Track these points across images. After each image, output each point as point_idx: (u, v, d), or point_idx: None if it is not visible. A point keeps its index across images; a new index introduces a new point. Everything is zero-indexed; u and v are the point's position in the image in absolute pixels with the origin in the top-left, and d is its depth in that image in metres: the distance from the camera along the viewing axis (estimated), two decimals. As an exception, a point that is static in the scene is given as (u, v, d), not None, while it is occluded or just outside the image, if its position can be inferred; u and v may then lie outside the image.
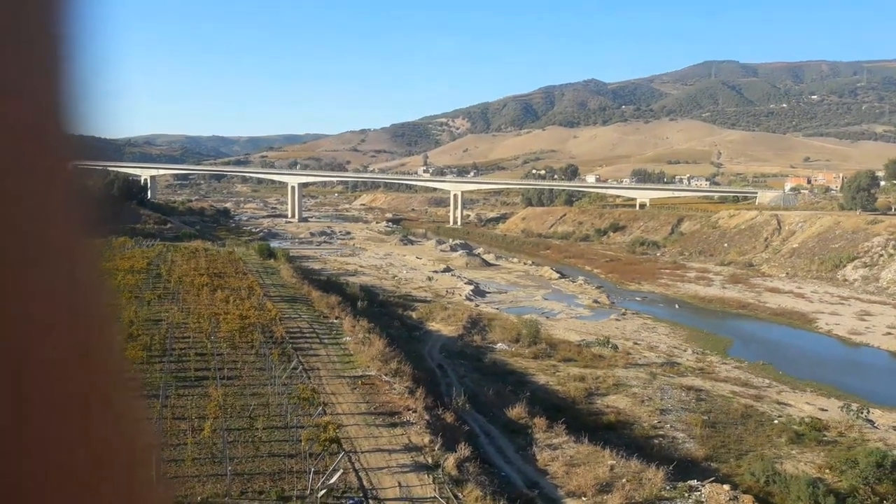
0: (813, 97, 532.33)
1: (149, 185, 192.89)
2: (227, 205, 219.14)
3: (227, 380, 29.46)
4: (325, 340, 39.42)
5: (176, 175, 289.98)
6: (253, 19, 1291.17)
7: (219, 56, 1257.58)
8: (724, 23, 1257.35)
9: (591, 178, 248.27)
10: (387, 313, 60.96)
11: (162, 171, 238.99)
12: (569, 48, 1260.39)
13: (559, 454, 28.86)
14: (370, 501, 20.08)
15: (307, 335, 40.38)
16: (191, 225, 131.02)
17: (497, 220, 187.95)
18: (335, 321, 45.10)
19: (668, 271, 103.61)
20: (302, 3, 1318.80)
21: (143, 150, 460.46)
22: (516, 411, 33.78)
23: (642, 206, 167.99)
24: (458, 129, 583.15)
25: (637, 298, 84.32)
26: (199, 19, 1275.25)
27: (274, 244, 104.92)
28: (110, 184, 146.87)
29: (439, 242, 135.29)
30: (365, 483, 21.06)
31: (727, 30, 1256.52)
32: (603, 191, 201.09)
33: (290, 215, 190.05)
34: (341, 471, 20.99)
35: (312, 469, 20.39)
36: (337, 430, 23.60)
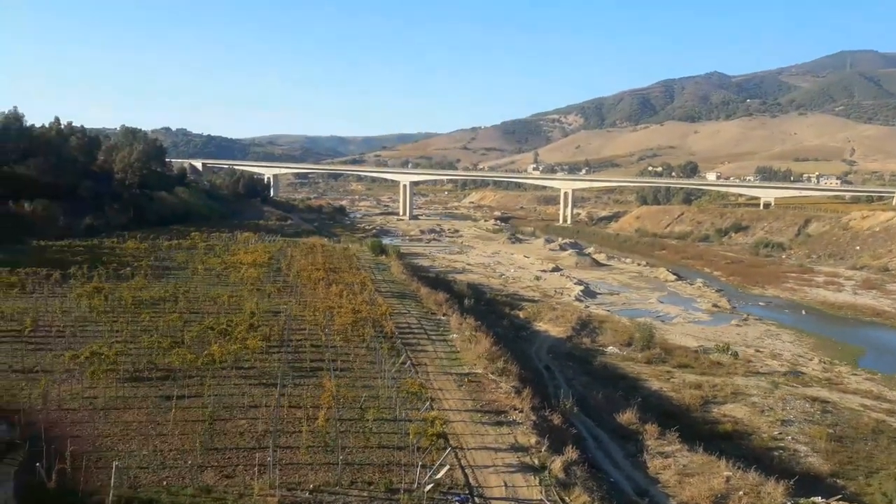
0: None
1: (271, 183, 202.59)
2: (343, 202, 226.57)
3: (340, 371, 30.43)
4: (433, 337, 39.93)
5: (296, 174, 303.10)
6: (370, 20, 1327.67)
7: (336, 57, 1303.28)
8: (862, 10, 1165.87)
9: (711, 176, 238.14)
10: (493, 312, 61.03)
11: (283, 171, 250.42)
12: (690, 40, 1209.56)
13: (671, 462, 27.82)
14: (475, 499, 20.14)
15: (415, 331, 41.07)
16: (309, 222, 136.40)
17: (609, 218, 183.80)
18: (443, 318, 45.60)
19: (793, 275, 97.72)
20: (418, 3, 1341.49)
21: (266, 150, 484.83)
22: (627, 416, 32.89)
23: (767, 205, 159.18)
24: (570, 125, 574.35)
25: (760, 303, 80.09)
26: (317, 25, 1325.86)
27: (385, 241, 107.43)
28: (237, 182, 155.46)
29: (548, 241, 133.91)
30: (471, 480, 21.13)
31: (865, 18, 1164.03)
32: (724, 189, 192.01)
33: (401, 213, 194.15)
34: (447, 466, 21.16)
35: (420, 463, 20.68)
36: (444, 426, 23.83)
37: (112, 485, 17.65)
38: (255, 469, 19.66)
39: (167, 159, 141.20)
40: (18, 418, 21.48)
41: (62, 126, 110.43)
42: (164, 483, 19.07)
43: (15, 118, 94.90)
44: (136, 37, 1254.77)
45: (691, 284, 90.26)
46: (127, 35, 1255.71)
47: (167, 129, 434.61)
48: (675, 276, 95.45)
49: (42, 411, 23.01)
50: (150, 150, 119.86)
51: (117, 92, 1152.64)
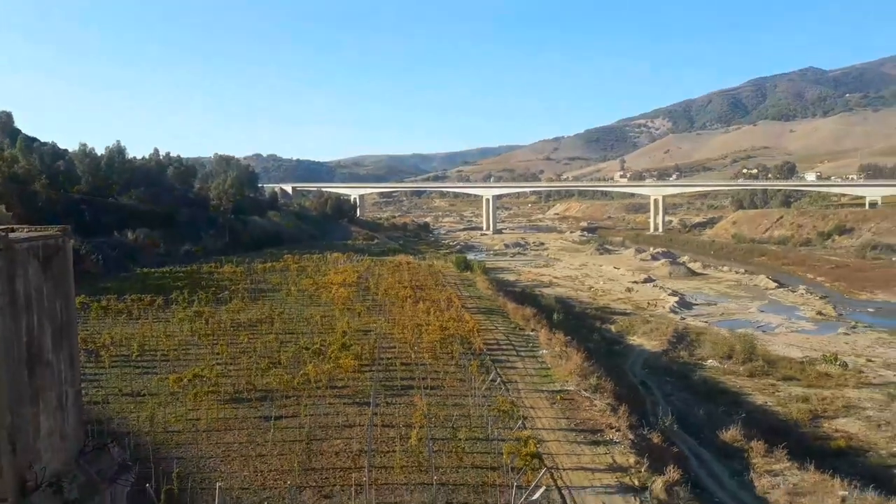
0: None
1: (357, 203, 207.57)
2: (427, 219, 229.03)
3: (430, 389, 30.40)
4: (522, 353, 39.40)
5: (381, 193, 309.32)
6: (448, 36, 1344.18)
7: (416, 76, 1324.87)
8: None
9: (810, 176, 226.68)
10: (584, 326, 59.80)
11: (369, 191, 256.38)
12: (781, 34, 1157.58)
13: (780, 481, 26.23)
14: (573, 522, 19.56)
15: (504, 347, 40.65)
16: (394, 240, 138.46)
17: (703, 225, 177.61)
18: (531, 333, 44.96)
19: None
20: (496, 17, 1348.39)
21: (351, 171, 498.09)
22: (730, 434, 31.34)
23: (873, 204, 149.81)
24: (657, 129, 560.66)
25: (869, 309, 75.11)
26: (397, 46, 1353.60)
27: (470, 256, 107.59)
28: (325, 203, 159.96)
29: (639, 251, 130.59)
30: (568, 502, 20.54)
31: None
32: (826, 189, 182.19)
33: (484, 227, 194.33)
34: (543, 487, 20.64)
35: (515, 483, 20.27)
36: (538, 446, 23.32)
37: (216, 505, 18.12)
38: (352, 489, 19.78)
39: (259, 184, 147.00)
40: (129, 440, 22.49)
41: (161, 156, 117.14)
42: None
43: (118, 151, 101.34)
44: (225, 69, 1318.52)
45: (793, 292, 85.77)
46: (217, 66, 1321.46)
47: (258, 156, 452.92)
48: (775, 284, 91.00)
49: (149, 433, 24.02)
50: (243, 176, 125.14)
51: (211, 121, 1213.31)
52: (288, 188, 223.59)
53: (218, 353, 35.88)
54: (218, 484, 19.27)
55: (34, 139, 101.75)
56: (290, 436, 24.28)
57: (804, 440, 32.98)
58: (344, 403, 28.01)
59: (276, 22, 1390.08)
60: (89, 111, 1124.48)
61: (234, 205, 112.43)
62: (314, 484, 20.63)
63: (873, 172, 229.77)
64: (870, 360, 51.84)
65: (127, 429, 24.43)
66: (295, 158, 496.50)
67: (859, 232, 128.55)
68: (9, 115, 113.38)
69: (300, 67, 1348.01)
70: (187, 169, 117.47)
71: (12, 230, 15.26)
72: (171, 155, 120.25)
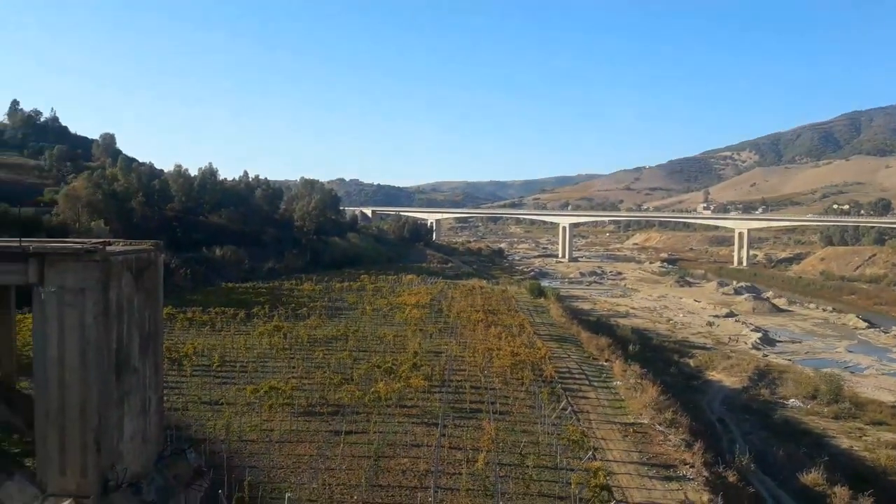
0: None
1: (434, 227, 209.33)
2: (502, 245, 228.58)
3: (499, 414, 30.23)
4: (595, 383, 38.68)
5: (457, 218, 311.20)
6: (522, 65, 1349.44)
7: (494, 103, 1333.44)
8: None
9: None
10: (661, 359, 58.18)
11: (445, 215, 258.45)
12: (879, 66, 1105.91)
13: (868, 533, 24.70)
14: (642, 558, 18.98)
15: (576, 376, 40.02)
16: (468, 264, 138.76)
17: (790, 260, 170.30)
18: (605, 364, 44.09)
19: None
20: (574, 47, 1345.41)
21: (429, 196, 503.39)
22: (812, 477, 29.76)
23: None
24: (743, 162, 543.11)
25: (973, 356, 69.96)
26: (474, 74, 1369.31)
27: (544, 283, 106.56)
28: (402, 227, 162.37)
29: (721, 284, 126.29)
30: (636, 537, 20.00)
31: None
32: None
33: (560, 255, 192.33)
34: (611, 520, 20.20)
35: (581, 514, 19.91)
36: (607, 478, 22.82)
37: (284, 514, 18.54)
38: (417, 508, 19.85)
39: (341, 207, 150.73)
40: (204, 447, 23.33)
41: (250, 179, 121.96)
42: (331, 516, 19.74)
43: (210, 173, 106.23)
44: (315, 96, 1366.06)
45: (886, 332, 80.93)
46: (307, 94, 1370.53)
47: (341, 180, 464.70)
48: (866, 324, 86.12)
49: (224, 441, 24.86)
50: (326, 199, 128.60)
51: (299, 146, 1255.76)
52: (368, 211, 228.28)
53: (294, 367, 36.86)
54: (287, 495, 19.76)
55: (133, 159, 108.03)
56: (358, 451, 24.63)
57: (893, 489, 31.00)
58: (412, 423, 28.21)
59: (363, 54, 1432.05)
60: (186, 134, 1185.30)
61: (317, 226, 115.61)
62: (380, 500, 20.84)
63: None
64: (973, 409, 48.25)
65: (203, 436, 25.36)
66: (376, 183, 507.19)
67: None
68: (111, 137, 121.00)
69: (388, 97, 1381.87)
70: (274, 191, 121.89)
71: (109, 244, 16.31)
72: (260, 177, 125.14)
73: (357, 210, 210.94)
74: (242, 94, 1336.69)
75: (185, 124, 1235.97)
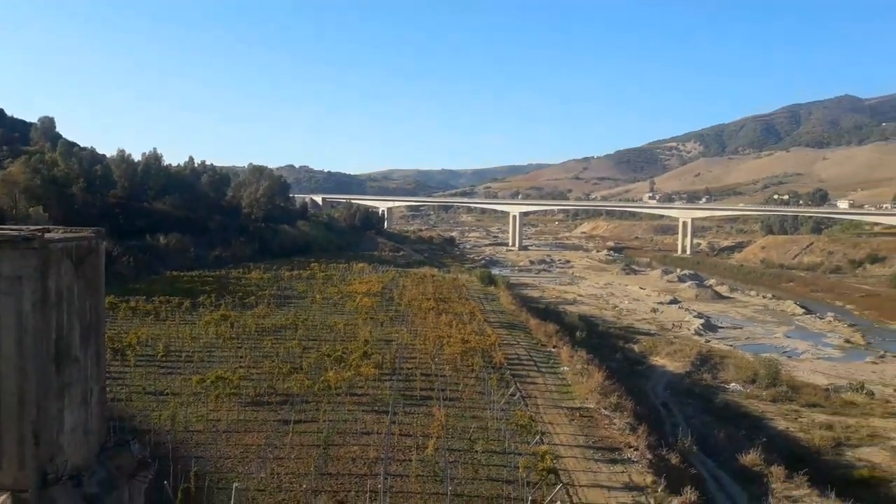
0: None
1: (385, 216, 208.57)
2: (453, 234, 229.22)
3: (449, 401, 30.50)
4: (543, 369, 39.32)
5: (409, 206, 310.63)
6: (474, 56, 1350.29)
7: (445, 91, 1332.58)
8: None
9: (843, 204, 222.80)
10: (607, 345, 59.37)
11: (397, 204, 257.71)
12: (818, 61, 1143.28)
13: (801, 509, 25.84)
14: (587, 538, 19.47)
15: (525, 362, 40.61)
16: (420, 252, 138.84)
17: (731, 249, 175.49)
18: (553, 350, 44.85)
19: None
20: (526, 37, 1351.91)
21: (381, 184, 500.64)
22: (750, 458, 30.92)
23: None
24: (688, 153, 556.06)
25: (901, 339, 73.55)
26: (428, 62, 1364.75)
27: (495, 271, 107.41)
28: (353, 215, 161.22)
29: (665, 272, 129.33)
30: (582, 518, 20.49)
31: None
32: (858, 217, 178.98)
33: (510, 243, 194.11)
34: (558, 503, 20.62)
35: (529, 498, 20.27)
36: (555, 461, 23.28)
37: (232, 504, 18.40)
38: (367, 495, 19.94)
39: (290, 194, 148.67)
40: (149, 438, 22.93)
41: (196, 165, 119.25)
42: (280, 505, 19.66)
43: (154, 158, 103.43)
44: (264, 83, 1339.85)
45: (821, 318, 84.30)
46: (255, 81, 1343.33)
47: (291, 167, 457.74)
48: (803, 310, 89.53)
49: (170, 432, 24.45)
50: (275, 186, 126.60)
51: (247, 132, 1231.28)
52: (318, 199, 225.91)
53: (241, 357, 36.42)
54: (234, 484, 19.59)
55: (74, 144, 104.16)
56: (308, 440, 24.55)
57: (826, 468, 32.42)
58: (363, 411, 28.24)
59: (313, 40, 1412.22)
60: (129, 119, 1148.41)
61: (265, 213, 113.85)
62: (329, 488, 20.84)
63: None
64: (898, 391, 50.78)
65: (148, 427, 24.91)
66: (326, 170, 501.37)
67: (892, 261, 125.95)
68: (51, 120, 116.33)
69: (336, 83, 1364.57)
70: (221, 177, 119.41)
71: (48, 231, 15.81)
72: (206, 163, 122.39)
73: (307, 197, 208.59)
74: (187, 77, 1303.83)
75: (129, 109, 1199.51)
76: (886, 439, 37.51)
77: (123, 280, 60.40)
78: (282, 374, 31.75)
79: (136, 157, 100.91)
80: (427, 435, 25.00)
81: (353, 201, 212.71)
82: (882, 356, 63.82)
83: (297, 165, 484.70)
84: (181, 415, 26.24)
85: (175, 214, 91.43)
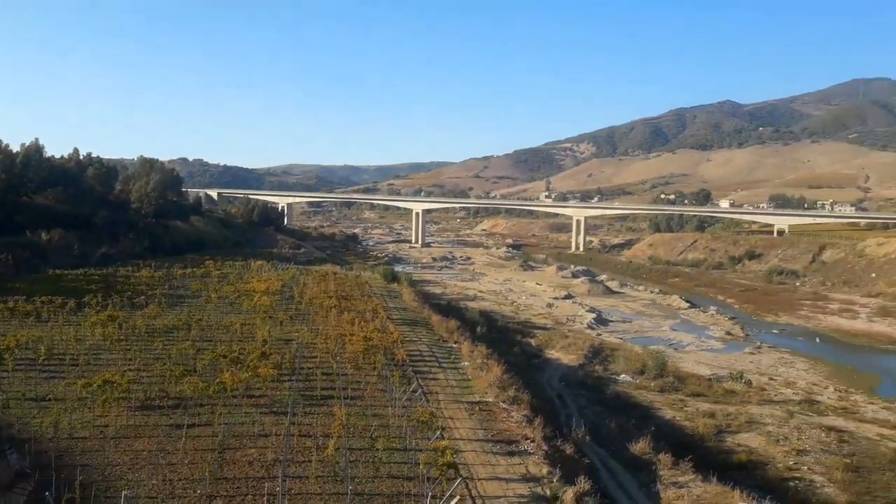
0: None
1: (285, 212, 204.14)
2: (356, 230, 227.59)
3: (351, 400, 30.34)
4: (444, 365, 39.79)
5: (310, 202, 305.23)
6: (377, 54, 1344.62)
7: (348, 87, 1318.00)
8: (875, 38, 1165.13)
9: (724, 204, 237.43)
10: (505, 339, 60.77)
11: (297, 199, 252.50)
12: (702, 69, 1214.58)
13: (685, 493, 27.41)
14: (486, 530, 19.91)
15: (427, 359, 40.95)
16: (322, 250, 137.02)
17: (622, 246, 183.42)
18: (454, 346, 45.47)
19: (808, 302, 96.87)
20: (426, 34, 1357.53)
21: (280, 179, 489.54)
22: (640, 446, 32.51)
23: (781, 232, 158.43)
24: (582, 153, 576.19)
25: (774, 331, 79.30)
26: (330, 56, 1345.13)
27: (398, 269, 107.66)
28: (251, 210, 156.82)
29: (560, 268, 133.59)
30: (481, 511, 20.92)
31: (879, 46, 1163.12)
32: (738, 216, 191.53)
33: (413, 241, 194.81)
34: (458, 497, 20.96)
35: (430, 493, 20.50)
36: (454, 456, 23.64)
37: (121, 514, 17.62)
38: (265, 499, 19.58)
39: (183, 189, 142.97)
40: (29, 447, 21.57)
41: (81, 157, 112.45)
42: (173, 512, 18.99)
43: (35, 149, 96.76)
44: (154, 69, 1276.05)
45: (704, 312, 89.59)
46: (145, 67, 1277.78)
47: (184, 160, 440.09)
48: (688, 304, 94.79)
49: (53, 440, 23.08)
50: (167, 180, 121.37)
51: (136, 123, 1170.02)
52: (213, 194, 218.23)
53: (131, 359, 34.78)
54: (124, 492, 18.76)
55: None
56: (202, 444, 23.79)
57: (709, 453, 34.53)
58: (261, 413, 27.65)
59: (205, 29, 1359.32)
60: (7, 108, 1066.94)
61: (156, 208, 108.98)
62: (225, 493, 20.31)
63: (782, 202, 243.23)
64: (772, 379, 54.79)
65: (28, 435, 23.41)
66: (222, 164, 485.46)
67: (767, 257, 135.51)
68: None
69: (231, 72, 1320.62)
70: (108, 170, 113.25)
71: None
72: (93, 155, 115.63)
73: (202, 192, 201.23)
74: (70, 64, 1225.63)
75: (6, 99, 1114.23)
76: (762, 425, 40.39)
77: (1, 279, 56.39)
78: (174, 377, 30.57)
79: (15, 147, 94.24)
80: (327, 435, 24.79)
81: (250, 196, 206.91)
82: (759, 347, 68.61)
83: (190, 159, 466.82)
84: (65, 421, 24.80)
85: (58, 209, 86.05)
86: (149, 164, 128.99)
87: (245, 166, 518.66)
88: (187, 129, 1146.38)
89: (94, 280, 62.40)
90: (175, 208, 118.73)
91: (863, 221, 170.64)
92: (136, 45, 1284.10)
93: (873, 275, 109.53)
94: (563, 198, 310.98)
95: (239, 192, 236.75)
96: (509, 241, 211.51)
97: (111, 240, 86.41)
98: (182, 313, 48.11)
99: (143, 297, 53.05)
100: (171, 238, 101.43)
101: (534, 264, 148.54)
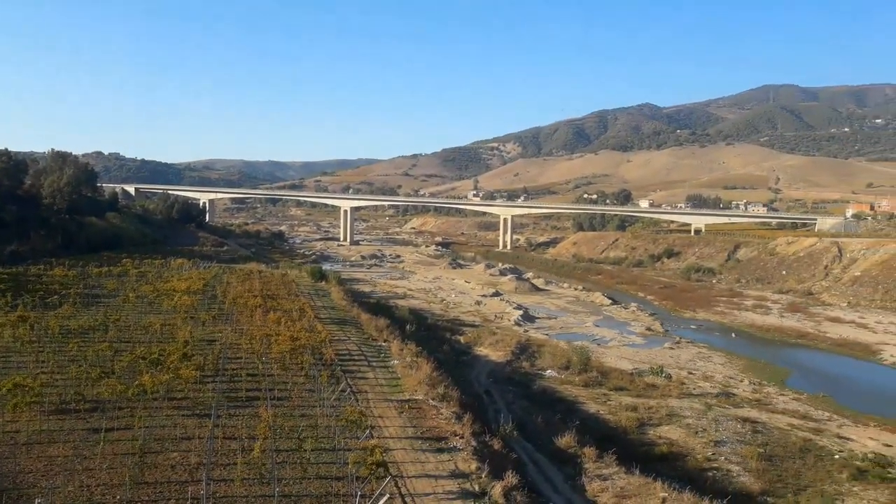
0: (877, 121, 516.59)
1: (207, 208, 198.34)
2: (282, 228, 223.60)
3: (278, 401, 29.83)
4: (374, 363, 39.62)
5: (233, 199, 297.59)
6: (306, 50, 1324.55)
7: (274, 83, 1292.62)
8: (784, 47, 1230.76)
9: (644, 203, 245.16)
10: (435, 337, 60.98)
11: (220, 195, 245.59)
12: (623, 72, 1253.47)
13: (609, 485, 28.20)
14: (415, 527, 19.97)
15: (356, 358, 40.67)
16: (246, 247, 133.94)
17: (547, 244, 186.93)
18: (383, 344, 45.31)
19: (724, 299, 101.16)
20: (352, 36, 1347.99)
21: (202, 174, 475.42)
22: (565, 440, 33.21)
23: (697, 231, 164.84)
24: (508, 153, 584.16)
25: (692, 326, 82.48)
26: (253, 49, 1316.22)
27: (326, 267, 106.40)
28: (171, 206, 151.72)
29: (488, 266, 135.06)
30: (410, 508, 20.97)
31: (787, 54, 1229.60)
32: (657, 216, 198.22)
33: (342, 238, 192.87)
34: (387, 496, 20.94)
35: (359, 493, 20.40)
36: (384, 454, 23.59)
37: (34, 524, 16.81)
38: (188, 503, 19.06)
39: (99, 184, 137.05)
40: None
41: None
42: (91, 521, 18.26)
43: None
44: (66, 59, 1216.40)
45: (626, 309, 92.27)
46: (56, 56, 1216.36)
47: (99, 154, 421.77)
48: (610, 301, 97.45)
49: (-43, 448, 21.79)
50: (81, 174, 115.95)
51: (47, 115, 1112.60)
52: (131, 189, 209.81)
53: (43, 362, 33.18)
54: (37, 500, 17.93)
55: None
56: (122, 449, 22.94)
57: (631, 446, 35.57)
58: (183, 415, 26.86)
59: (119, 10, 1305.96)
60: None
61: (70, 204, 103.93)
62: (146, 498, 19.67)
63: (698, 202, 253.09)
64: (691, 373, 57.04)
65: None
66: (140, 158, 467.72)
67: (685, 256, 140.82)
68: None
69: (147, 61, 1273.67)
70: (17, 163, 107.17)
71: None
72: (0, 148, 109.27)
73: (118, 187, 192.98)
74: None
75: None
76: (682, 418, 41.94)
77: None
78: (91, 380, 29.32)
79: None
80: (253, 437, 24.32)
81: (170, 192, 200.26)
82: (678, 342, 71.26)
83: (106, 153, 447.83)
84: (-30, 429, 23.44)
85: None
86: (61, 158, 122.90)
87: (164, 161, 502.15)
88: (102, 122, 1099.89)
89: (2, 279, 59.10)
90: (90, 204, 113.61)
91: (774, 221, 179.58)
92: (43, 30, 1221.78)
93: (784, 272, 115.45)
94: (490, 197, 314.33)
95: (158, 188, 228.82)
96: (438, 239, 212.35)
97: (21, 236, 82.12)
98: (98, 313, 46.19)
99: (56, 297, 50.67)
100: (85, 235, 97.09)
101: (463, 262, 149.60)
